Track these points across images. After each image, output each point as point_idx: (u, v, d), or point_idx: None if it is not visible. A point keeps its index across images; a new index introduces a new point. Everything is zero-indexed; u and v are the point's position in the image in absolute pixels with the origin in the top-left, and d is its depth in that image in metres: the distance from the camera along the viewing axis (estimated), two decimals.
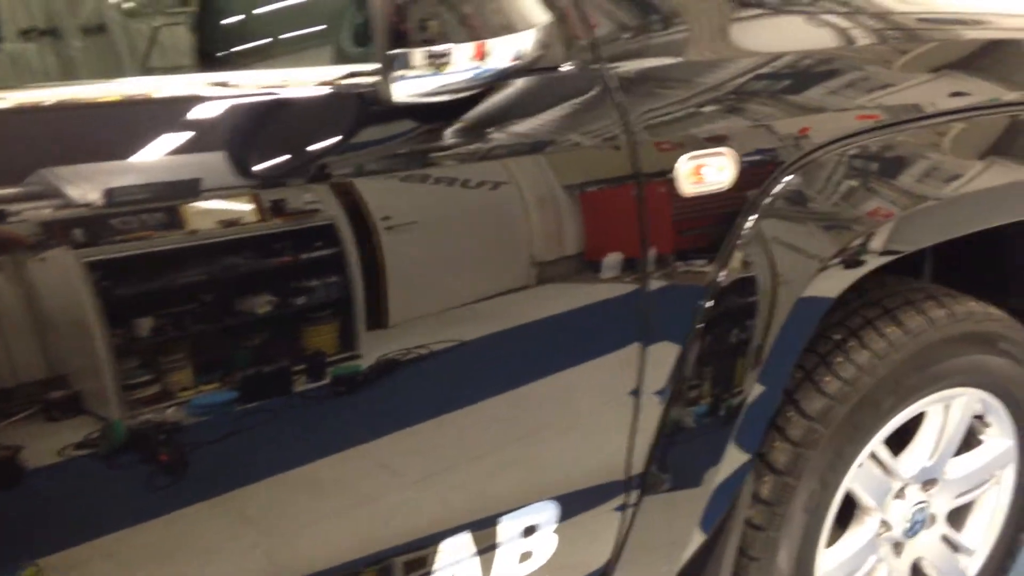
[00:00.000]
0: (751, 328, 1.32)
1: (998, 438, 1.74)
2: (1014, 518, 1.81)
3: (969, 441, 1.74)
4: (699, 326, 1.28)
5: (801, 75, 1.33)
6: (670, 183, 1.20)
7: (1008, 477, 1.78)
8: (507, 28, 0.98)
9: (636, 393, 1.27)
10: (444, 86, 0.97)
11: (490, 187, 1.09)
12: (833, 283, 1.39)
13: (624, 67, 1.18)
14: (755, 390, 1.36)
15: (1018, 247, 1.83)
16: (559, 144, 1.12)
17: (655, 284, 1.22)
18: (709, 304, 1.27)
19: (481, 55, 0.96)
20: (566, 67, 1.14)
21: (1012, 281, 1.91)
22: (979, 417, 1.72)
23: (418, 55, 0.94)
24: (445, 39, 0.94)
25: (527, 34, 0.99)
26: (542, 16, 1.02)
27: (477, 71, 0.97)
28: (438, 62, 0.94)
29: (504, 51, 0.98)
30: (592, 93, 1.15)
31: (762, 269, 1.30)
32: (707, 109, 1.24)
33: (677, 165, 1.20)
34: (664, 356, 1.27)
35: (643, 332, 1.24)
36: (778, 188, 1.29)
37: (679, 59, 1.24)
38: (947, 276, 1.91)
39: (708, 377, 1.31)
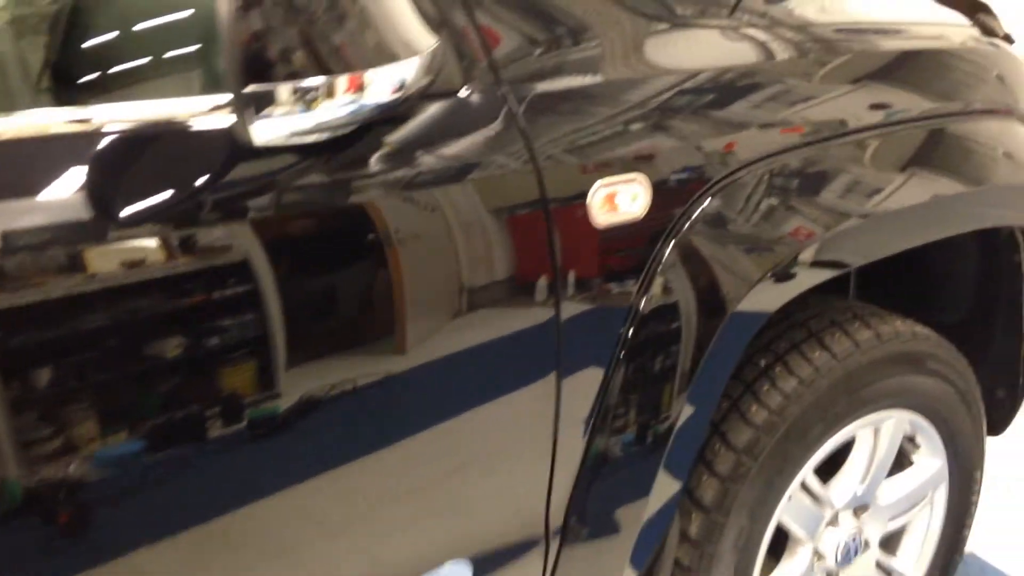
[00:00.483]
0: (676, 354, 1.25)
1: (928, 458, 1.69)
2: (946, 540, 1.77)
3: (901, 462, 1.69)
4: (621, 353, 1.21)
5: (720, 93, 1.26)
6: (582, 212, 1.12)
7: (940, 498, 1.73)
8: (387, 56, 0.88)
9: (554, 428, 1.18)
10: (319, 124, 0.86)
11: (390, 223, 0.99)
12: (761, 306, 1.33)
13: (529, 89, 1.10)
14: (682, 418, 1.29)
15: (940, 262, 1.80)
16: (461, 174, 1.03)
17: (570, 314, 1.14)
18: (631, 331, 1.20)
19: (357, 88, 0.85)
20: (464, 92, 1.05)
21: (936, 295, 1.88)
22: (909, 438, 1.67)
23: (284, 91, 0.82)
24: (316, 72, 0.84)
25: (410, 62, 0.89)
26: (428, 40, 0.92)
27: (355, 106, 0.87)
28: (308, 98, 0.83)
29: (384, 82, 0.87)
30: (494, 118, 1.06)
31: (685, 294, 1.24)
32: (619, 133, 1.15)
33: (588, 194, 1.12)
34: (584, 387, 1.19)
35: (559, 364, 1.16)
36: (699, 212, 1.22)
37: (588, 79, 1.16)
38: (871, 291, 1.88)
39: (633, 406, 1.24)
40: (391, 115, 0.93)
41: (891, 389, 1.53)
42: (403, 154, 0.99)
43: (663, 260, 1.21)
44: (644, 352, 1.23)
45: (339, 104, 0.85)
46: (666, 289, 1.22)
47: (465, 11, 1.07)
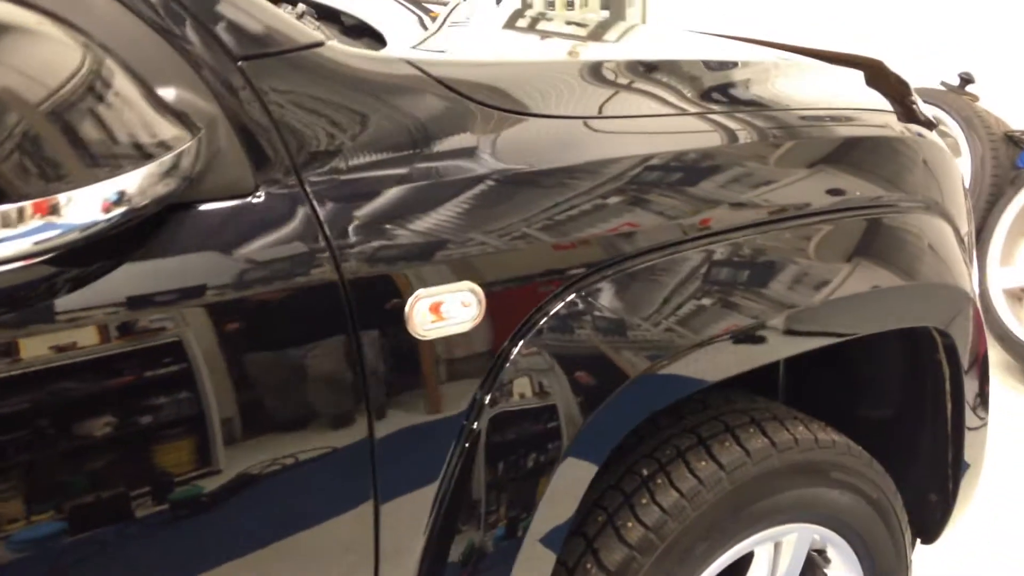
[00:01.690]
0: (529, 460, 1.15)
1: (842, 574, 1.57)
2: None
3: (815, 573, 1.57)
4: (459, 467, 1.10)
5: (570, 183, 1.15)
6: (398, 325, 1.02)
7: None
8: (103, 169, 0.77)
9: (375, 556, 1.07)
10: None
11: (159, 350, 0.90)
12: (631, 410, 1.23)
13: (337, 187, 0.99)
14: (535, 529, 1.17)
15: (866, 357, 1.69)
16: (248, 287, 0.93)
17: (390, 431, 1.03)
18: (471, 441, 1.10)
19: (49, 211, 0.75)
20: (258, 194, 0.95)
21: (864, 391, 1.77)
22: (819, 551, 1.55)
23: None
24: None
25: (131, 174, 0.79)
26: (176, 141, 0.82)
27: (50, 232, 0.75)
28: None
29: (90, 200, 0.77)
30: (291, 222, 0.96)
31: (540, 395, 1.13)
32: (444, 234, 1.05)
33: (407, 304, 1.02)
34: (411, 507, 1.08)
35: (376, 484, 1.05)
36: (552, 312, 1.13)
37: (408, 175, 1.05)
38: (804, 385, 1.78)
39: (479, 519, 1.13)
40: (118, 231, 0.81)
41: (788, 503, 1.41)
42: (168, 273, 0.89)
43: (512, 361, 1.10)
44: (490, 461, 1.12)
45: (24, 231, 0.74)
46: (517, 393, 1.11)
47: (257, 101, 0.96)
